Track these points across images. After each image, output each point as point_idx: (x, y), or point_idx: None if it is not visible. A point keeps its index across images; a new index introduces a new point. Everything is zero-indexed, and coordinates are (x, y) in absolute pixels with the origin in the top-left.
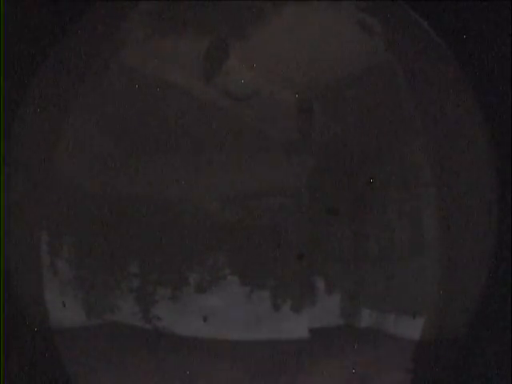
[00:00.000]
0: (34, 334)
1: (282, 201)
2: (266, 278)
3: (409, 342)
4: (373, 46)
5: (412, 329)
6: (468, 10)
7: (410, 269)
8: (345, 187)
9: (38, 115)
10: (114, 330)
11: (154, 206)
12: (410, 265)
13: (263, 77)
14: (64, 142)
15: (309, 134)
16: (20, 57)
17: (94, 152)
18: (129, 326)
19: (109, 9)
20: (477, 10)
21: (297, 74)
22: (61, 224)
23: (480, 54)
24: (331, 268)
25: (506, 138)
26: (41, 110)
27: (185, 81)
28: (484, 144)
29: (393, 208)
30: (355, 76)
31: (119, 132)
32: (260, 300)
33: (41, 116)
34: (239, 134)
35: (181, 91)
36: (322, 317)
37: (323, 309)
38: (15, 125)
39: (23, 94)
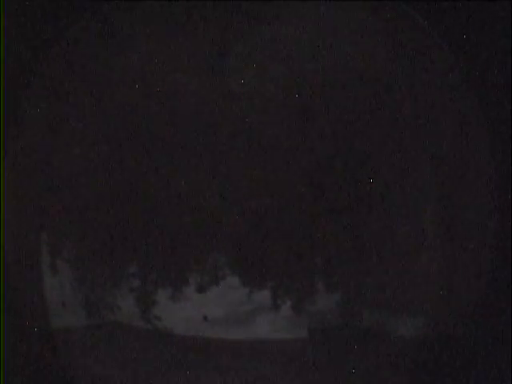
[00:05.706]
0: (34, 334)
1: (281, 201)
2: (266, 278)
3: (409, 342)
4: (373, 46)
5: (412, 329)
6: (468, 9)
7: (411, 269)
8: (345, 187)
9: (38, 115)
10: (114, 330)
11: (154, 206)
12: (410, 265)
13: (263, 77)
14: (64, 142)
15: (309, 134)
16: (20, 57)
17: (94, 152)
18: (129, 325)
19: (110, 9)
20: (477, 10)
21: (297, 74)
22: (61, 224)
23: (480, 54)
24: (331, 268)
25: (506, 138)
26: (41, 109)
27: (185, 81)
28: (484, 144)
29: (393, 208)
30: (356, 76)
31: (119, 132)
32: (260, 300)
33: (41, 116)
34: (239, 133)
35: (181, 91)
36: (322, 317)
37: (323, 309)
38: (15, 125)
39: (23, 94)
